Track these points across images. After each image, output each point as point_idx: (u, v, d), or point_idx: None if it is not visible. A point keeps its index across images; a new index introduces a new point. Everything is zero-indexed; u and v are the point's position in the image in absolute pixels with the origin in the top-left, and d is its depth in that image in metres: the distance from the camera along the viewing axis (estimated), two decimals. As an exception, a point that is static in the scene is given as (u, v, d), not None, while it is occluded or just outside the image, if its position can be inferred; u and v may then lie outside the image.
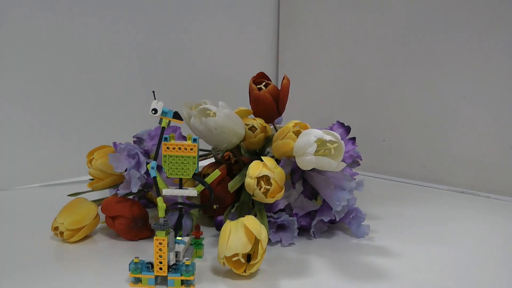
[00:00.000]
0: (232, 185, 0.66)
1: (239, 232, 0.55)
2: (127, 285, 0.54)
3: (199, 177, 0.58)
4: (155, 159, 0.56)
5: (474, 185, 0.95)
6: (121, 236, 0.66)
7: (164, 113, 0.55)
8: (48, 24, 0.91)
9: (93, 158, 0.71)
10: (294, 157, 0.64)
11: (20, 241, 0.66)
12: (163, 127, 0.56)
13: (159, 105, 0.54)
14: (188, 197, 0.67)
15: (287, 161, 0.67)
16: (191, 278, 0.53)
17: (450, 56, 0.96)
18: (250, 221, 0.56)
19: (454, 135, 0.97)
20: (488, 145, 0.93)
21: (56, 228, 0.64)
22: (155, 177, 0.55)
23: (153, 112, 0.54)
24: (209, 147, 0.79)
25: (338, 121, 0.77)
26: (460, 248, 0.66)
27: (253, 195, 0.63)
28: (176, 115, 0.56)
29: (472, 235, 0.72)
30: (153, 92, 0.56)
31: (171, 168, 0.56)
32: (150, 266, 0.54)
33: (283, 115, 0.78)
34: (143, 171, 0.65)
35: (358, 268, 0.60)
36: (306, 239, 0.68)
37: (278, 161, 0.68)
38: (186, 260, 0.53)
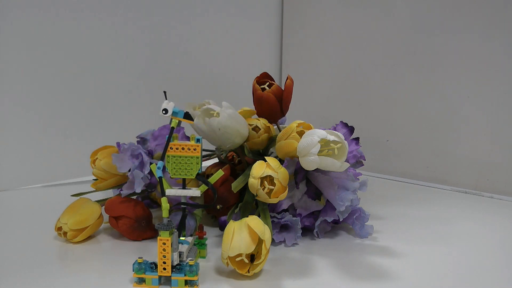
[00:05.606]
0: (236, 185, 0.66)
1: (242, 232, 0.55)
2: (130, 285, 0.54)
3: (202, 177, 0.58)
4: (162, 159, 0.56)
5: (477, 185, 0.95)
6: (125, 236, 0.67)
7: (174, 113, 0.55)
8: (52, 24, 0.91)
9: (97, 158, 0.71)
10: (298, 157, 0.64)
11: (23, 241, 0.66)
12: (172, 127, 0.55)
13: (170, 105, 0.54)
14: (192, 197, 0.67)
15: (290, 161, 0.66)
16: (194, 278, 0.53)
17: (454, 57, 0.96)
18: (253, 221, 0.56)
19: (458, 135, 0.97)
20: (491, 145, 0.93)
21: (59, 228, 0.65)
22: (160, 177, 0.55)
23: (164, 112, 0.54)
24: (213, 147, 0.79)
25: (341, 121, 0.76)
26: (463, 248, 0.66)
27: (256, 195, 0.63)
28: (187, 116, 0.55)
29: (475, 235, 0.71)
30: (165, 92, 0.56)
31: (174, 168, 0.56)
32: (153, 266, 0.54)
33: (286, 115, 0.78)
34: (146, 171, 0.65)
35: (361, 268, 0.60)
36: (309, 239, 0.68)
37: (281, 161, 0.67)
38: (190, 260, 0.53)
